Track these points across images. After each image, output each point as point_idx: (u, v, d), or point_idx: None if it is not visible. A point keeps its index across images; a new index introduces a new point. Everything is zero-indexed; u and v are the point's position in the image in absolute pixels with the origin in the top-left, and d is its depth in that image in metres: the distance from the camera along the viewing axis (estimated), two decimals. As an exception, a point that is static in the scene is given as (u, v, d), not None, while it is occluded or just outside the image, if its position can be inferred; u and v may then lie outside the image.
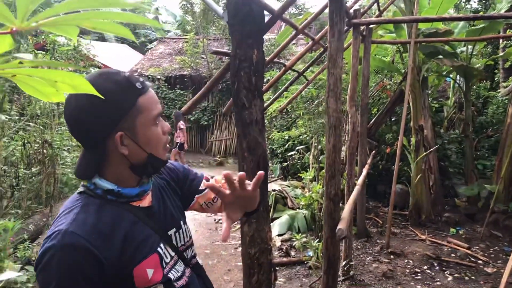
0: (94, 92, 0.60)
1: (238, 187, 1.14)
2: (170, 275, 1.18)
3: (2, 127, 5.08)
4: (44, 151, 5.93)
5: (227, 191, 1.17)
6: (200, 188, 1.45)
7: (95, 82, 1.07)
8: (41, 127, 6.09)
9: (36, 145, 6.14)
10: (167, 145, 1.23)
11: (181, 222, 1.35)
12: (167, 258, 1.20)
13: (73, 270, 0.99)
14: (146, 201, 1.22)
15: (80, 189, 1.16)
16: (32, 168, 6.04)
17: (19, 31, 0.48)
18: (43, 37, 6.20)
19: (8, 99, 5.96)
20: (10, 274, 0.86)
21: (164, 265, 1.18)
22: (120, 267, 1.07)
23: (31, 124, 5.89)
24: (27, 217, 5.51)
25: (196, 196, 1.44)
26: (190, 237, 1.39)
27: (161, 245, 1.20)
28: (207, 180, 1.47)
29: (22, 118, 5.94)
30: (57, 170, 6.17)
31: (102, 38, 22.27)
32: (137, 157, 1.15)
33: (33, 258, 4.49)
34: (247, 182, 1.18)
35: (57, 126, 6.63)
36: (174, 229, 1.29)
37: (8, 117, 5.27)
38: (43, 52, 6.51)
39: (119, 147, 1.11)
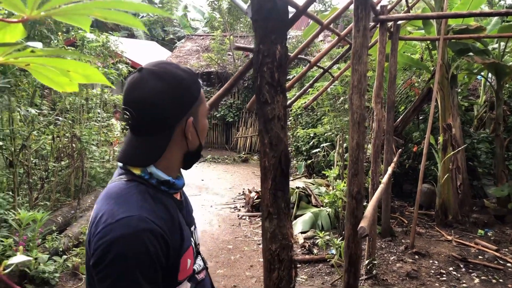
0: (105, 81, 0.61)
1: None
2: (194, 267, 1.22)
3: (32, 121, 5.22)
4: (73, 145, 6.07)
5: None
6: None
7: (168, 69, 1.11)
8: (70, 122, 6.24)
9: (65, 139, 6.29)
10: None
11: (195, 222, 1.39)
12: (194, 252, 1.23)
13: (153, 255, 0.98)
14: (178, 195, 1.25)
15: (126, 177, 1.12)
16: (61, 162, 6.19)
17: (30, 20, 0.49)
18: (73, 33, 6.35)
19: (40, 94, 6.12)
20: (21, 257, 0.85)
21: (193, 258, 1.21)
22: (175, 255, 1.08)
23: (60, 118, 6.04)
24: (55, 209, 5.66)
25: None
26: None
27: (191, 238, 1.22)
28: None
29: (51, 112, 6.09)
30: (86, 163, 6.31)
31: (132, 35, 22.62)
32: (193, 145, 1.18)
33: (61, 249, 4.60)
34: None
35: (86, 121, 6.78)
36: (194, 226, 1.32)
37: (38, 111, 5.41)
38: (73, 48, 6.66)
39: (188, 132, 1.13)
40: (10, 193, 4.96)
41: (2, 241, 4.01)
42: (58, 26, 5.83)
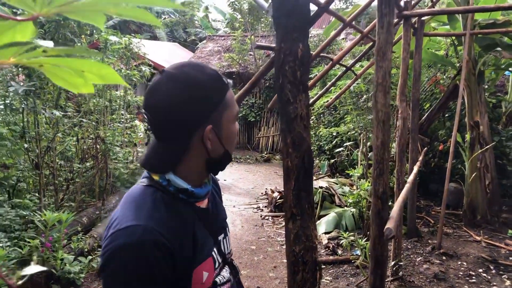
0: (121, 81, 0.59)
1: None
2: (216, 279, 1.17)
3: (57, 123, 5.29)
4: (97, 146, 6.14)
5: None
6: None
7: (187, 73, 1.06)
8: (94, 123, 6.31)
9: (89, 140, 6.37)
10: None
11: (227, 229, 1.34)
12: (216, 263, 1.18)
13: (154, 267, 0.95)
14: (204, 203, 1.21)
15: (146, 182, 1.11)
16: (86, 163, 6.28)
17: (41, 16, 0.47)
18: (96, 36, 6.42)
19: (66, 96, 6.21)
20: (36, 268, 0.80)
21: (215, 270, 1.16)
22: (185, 267, 1.04)
23: (84, 120, 6.12)
24: (81, 210, 5.73)
25: None
26: (231, 249, 1.36)
27: (215, 249, 1.18)
28: None
29: (76, 114, 6.18)
30: (110, 164, 6.38)
31: (154, 37, 22.88)
32: (215, 153, 1.12)
33: (86, 249, 4.66)
34: None
35: (110, 123, 6.86)
36: (223, 235, 1.27)
37: (63, 113, 5.49)
38: (96, 51, 6.75)
39: (206, 140, 1.08)
40: (36, 194, 5.04)
41: (28, 242, 4.08)
42: (82, 29, 5.90)
